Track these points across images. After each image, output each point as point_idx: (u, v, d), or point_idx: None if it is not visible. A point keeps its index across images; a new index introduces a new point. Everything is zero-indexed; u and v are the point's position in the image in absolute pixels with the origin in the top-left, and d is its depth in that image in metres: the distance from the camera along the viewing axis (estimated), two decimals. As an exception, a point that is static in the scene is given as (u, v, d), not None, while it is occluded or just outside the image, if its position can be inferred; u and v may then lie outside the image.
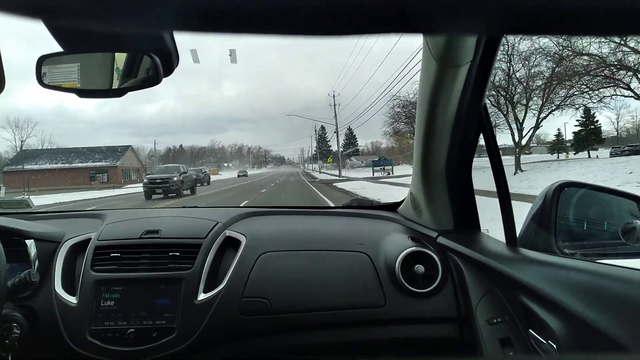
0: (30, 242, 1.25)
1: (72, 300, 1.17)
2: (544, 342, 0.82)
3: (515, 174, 13.16)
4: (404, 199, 1.59)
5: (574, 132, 20.38)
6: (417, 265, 1.20)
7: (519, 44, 13.81)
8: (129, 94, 0.75)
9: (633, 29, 0.21)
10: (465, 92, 1.03)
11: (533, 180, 11.03)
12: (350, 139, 79.89)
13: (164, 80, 0.69)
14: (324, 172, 47.03)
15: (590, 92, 13.63)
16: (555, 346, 0.78)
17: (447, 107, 1.08)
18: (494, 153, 1.09)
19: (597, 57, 12.66)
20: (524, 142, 15.50)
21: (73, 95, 0.74)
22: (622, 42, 11.08)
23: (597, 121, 20.15)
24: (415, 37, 0.23)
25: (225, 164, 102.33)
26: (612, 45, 11.65)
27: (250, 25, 0.20)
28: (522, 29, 0.21)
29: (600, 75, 12.98)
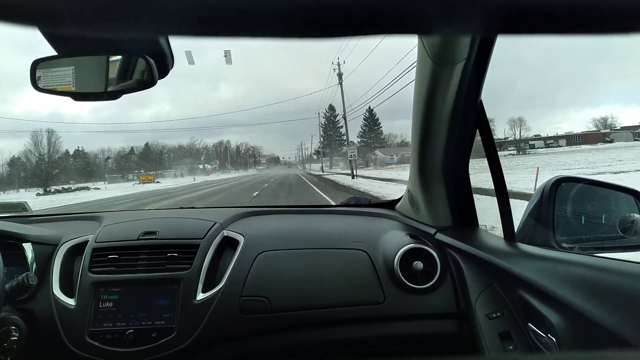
0: (27, 245, 1.24)
1: (71, 302, 1.17)
2: (544, 335, 0.83)
3: None
4: (401, 197, 1.59)
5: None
6: (416, 262, 1.21)
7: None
8: (125, 97, 0.74)
9: (628, 28, 0.21)
10: (461, 89, 1.03)
11: None
12: (371, 124, 57.39)
13: (159, 82, 0.68)
14: (358, 176, 22.81)
15: None
16: (554, 340, 0.79)
17: (443, 104, 1.08)
18: (491, 149, 1.09)
19: None
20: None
21: (69, 101, 0.74)
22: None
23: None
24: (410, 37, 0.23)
25: (201, 166, 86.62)
26: None
27: (246, 29, 0.20)
28: (516, 30, 0.21)
29: None
